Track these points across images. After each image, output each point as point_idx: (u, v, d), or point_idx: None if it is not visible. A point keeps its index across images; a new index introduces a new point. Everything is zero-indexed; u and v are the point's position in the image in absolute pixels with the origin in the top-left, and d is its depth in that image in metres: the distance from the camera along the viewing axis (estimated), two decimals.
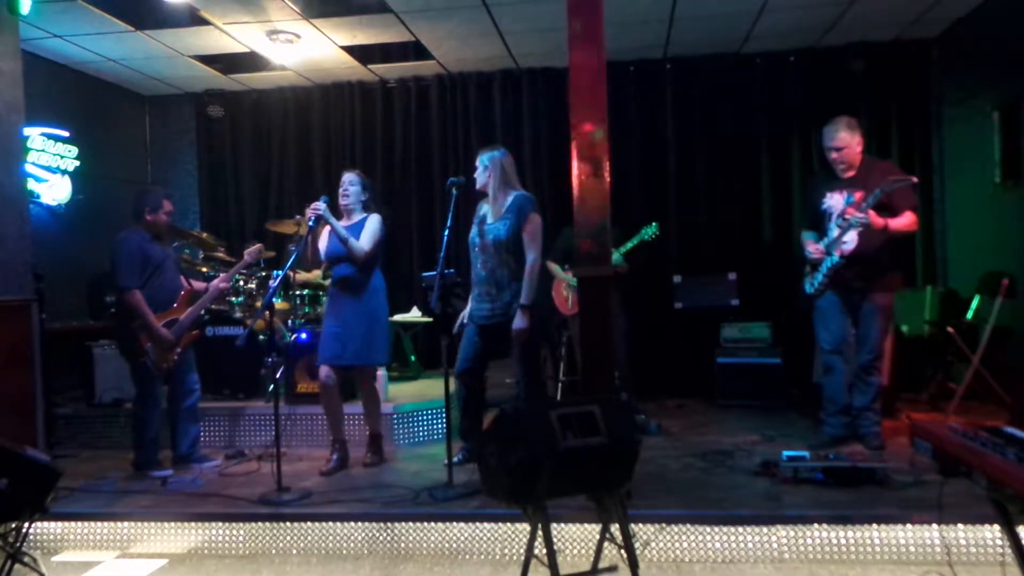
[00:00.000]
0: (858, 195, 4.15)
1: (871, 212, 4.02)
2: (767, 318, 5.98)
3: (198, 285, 4.74)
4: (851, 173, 4.28)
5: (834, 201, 4.28)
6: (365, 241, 4.35)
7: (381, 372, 5.36)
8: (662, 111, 6.79)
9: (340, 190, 4.50)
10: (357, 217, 4.49)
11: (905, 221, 4.15)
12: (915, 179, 4.23)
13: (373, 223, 4.44)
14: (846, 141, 4.22)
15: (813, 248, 4.35)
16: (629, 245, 5.36)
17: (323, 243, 4.47)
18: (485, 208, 4.33)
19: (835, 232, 4.22)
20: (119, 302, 4.46)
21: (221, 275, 4.84)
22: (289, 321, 5.71)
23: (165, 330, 4.39)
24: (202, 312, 4.62)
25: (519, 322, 4.08)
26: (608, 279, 3.88)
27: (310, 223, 4.19)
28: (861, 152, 4.30)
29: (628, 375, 5.38)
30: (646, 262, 5.80)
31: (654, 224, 5.39)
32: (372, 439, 4.61)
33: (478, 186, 4.29)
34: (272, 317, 4.30)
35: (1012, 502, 2.08)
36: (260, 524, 3.67)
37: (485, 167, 4.24)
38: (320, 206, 4.20)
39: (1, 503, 2.94)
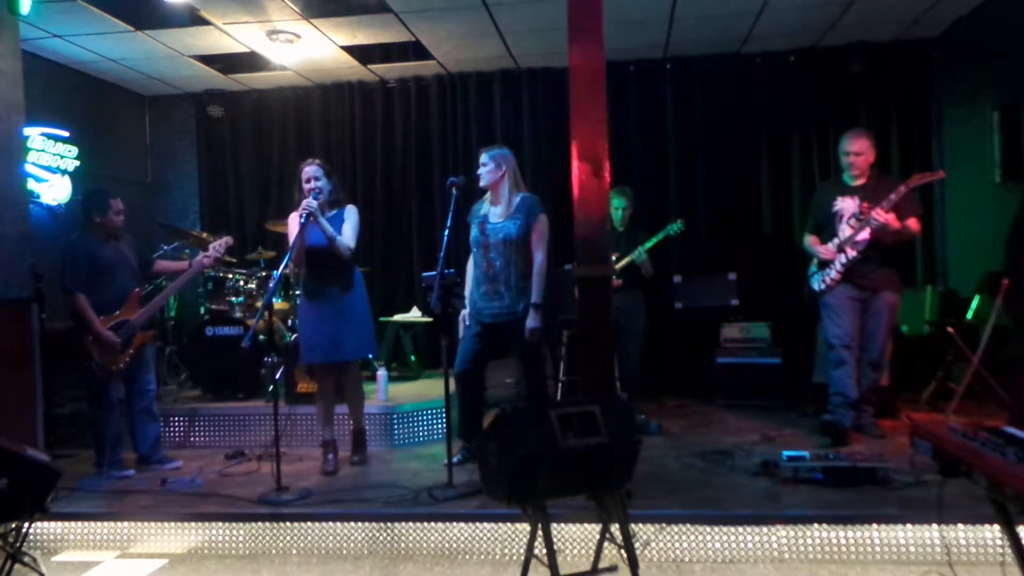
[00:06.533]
0: (865, 205, 4.41)
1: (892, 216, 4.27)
2: (767, 318, 5.97)
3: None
4: (861, 180, 4.56)
5: (845, 204, 4.53)
6: (349, 237, 4.30)
7: (381, 372, 5.37)
8: (662, 111, 6.79)
9: (305, 185, 4.26)
10: (329, 211, 4.32)
11: (916, 227, 4.49)
12: (942, 173, 4.60)
13: (353, 215, 4.38)
14: (864, 148, 4.51)
15: (823, 249, 4.54)
16: (653, 241, 5.28)
17: (292, 236, 4.29)
18: (486, 207, 4.31)
19: (846, 231, 4.45)
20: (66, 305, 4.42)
21: (183, 271, 4.73)
22: (289, 321, 5.71)
23: (110, 333, 4.33)
24: (157, 313, 4.56)
25: (532, 321, 4.08)
26: (608, 279, 3.88)
27: (301, 220, 4.14)
28: (871, 165, 4.58)
29: (637, 376, 5.35)
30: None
31: (679, 221, 5.33)
32: (359, 436, 4.58)
33: (483, 183, 4.24)
34: (272, 317, 4.28)
35: (1012, 502, 2.08)
36: (260, 524, 3.68)
37: (497, 164, 4.20)
38: (313, 204, 4.14)
39: (1, 503, 2.94)
